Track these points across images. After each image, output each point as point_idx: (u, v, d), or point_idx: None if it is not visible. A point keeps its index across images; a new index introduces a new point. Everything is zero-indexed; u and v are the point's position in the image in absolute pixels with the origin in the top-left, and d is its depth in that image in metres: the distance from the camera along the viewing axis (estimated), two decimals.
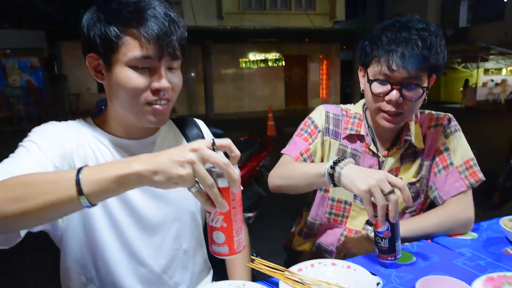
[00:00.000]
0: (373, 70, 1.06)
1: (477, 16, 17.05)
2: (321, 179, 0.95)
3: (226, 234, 0.66)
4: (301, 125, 1.24)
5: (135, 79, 0.80)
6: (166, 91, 0.83)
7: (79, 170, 0.61)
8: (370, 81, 1.07)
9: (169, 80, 0.84)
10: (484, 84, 16.75)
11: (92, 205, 0.62)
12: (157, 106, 0.84)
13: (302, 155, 1.17)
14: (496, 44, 14.24)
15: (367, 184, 0.84)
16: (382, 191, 0.83)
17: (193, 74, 13.37)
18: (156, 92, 0.83)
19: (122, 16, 0.78)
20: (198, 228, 1.03)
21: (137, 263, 0.91)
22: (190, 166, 0.59)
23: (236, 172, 0.62)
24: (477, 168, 1.11)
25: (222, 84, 13.73)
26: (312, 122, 1.22)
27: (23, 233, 0.72)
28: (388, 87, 1.03)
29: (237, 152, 0.65)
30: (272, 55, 14.33)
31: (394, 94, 1.02)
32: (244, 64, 14.14)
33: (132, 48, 0.79)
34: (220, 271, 1.09)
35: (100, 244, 0.87)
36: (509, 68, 16.65)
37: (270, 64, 14.36)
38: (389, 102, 1.04)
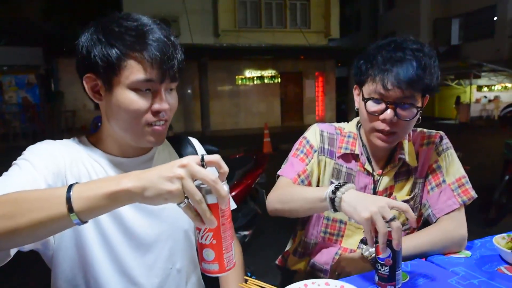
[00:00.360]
0: (368, 88, 1.07)
1: (469, 33, 17.44)
2: (322, 203, 0.95)
3: (216, 251, 0.66)
4: (296, 145, 1.24)
5: (137, 101, 0.82)
6: (165, 112, 0.86)
7: (70, 187, 0.61)
8: (365, 100, 1.08)
9: (168, 101, 0.86)
10: (478, 101, 16.98)
11: (83, 222, 0.61)
12: (157, 127, 0.86)
13: (299, 176, 1.17)
14: (487, 60, 14.51)
15: (369, 211, 0.82)
16: (384, 218, 0.82)
17: (189, 91, 13.47)
18: (156, 113, 0.85)
19: (124, 39, 0.79)
20: (192, 247, 1.02)
21: (130, 283, 0.90)
22: (179, 182, 0.60)
23: (224, 188, 0.62)
24: (469, 186, 1.12)
25: (219, 101, 13.83)
26: (308, 141, 1.23)
27: (12, 252, 0.71)
28: (383, 106, 1.04)
29: (225, 169, 0.65)
30: (268, 72, 14.50)
31: (389, 113, 1.03)
32: (240, 81, 14.28)
33: (135, 72, 0.80)
34: None
35: (92, 262, 0.87)
36: (501, 85, 16.92)
37: (266, 81, 14.52)
38: (383, 121, 1.05)
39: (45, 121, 11.07)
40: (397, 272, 0.86)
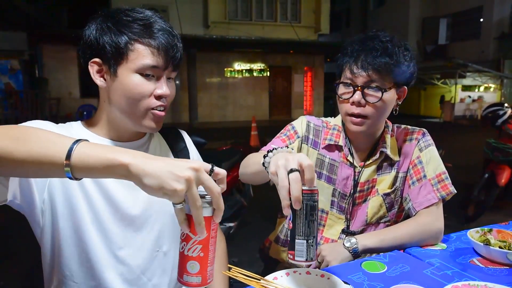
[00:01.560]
0: (341, 79, 1.15)
1: (456, 33, 17.74)
2: (262, 168, 0.89)
3: (201, 264, 0.66)
4: (282, 130, 1.29)
5: (142, 85, 0.87)
6: (166, 97, 0.91)
7: (78, 141, 0.63)
8: (336, 84, 1.15)
9: (169, 88, 0.92)
10: (462, 100, 17.33)
11: (74, 177, 0.63)
12: (158, 112, 0.91)
13: None
14: (473, 61, 14.80)
15: (275, 165, 0.76)
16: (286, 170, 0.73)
17: (177, 82, 13.33)
18: (158, 98, 0.90)
19: (133, 27, 0.86)
20: (179, 230, 1.04)
21: (118, 262, 0.93)
22: (186, 184, 0.59)
23: (222, 202, 0.64)
24: (448, 182, 1.17)
25: (207, 93, 13.75)
26: (293, 127, 1.27)
27: (9, 195, 0.79)
28: (351, 89, 1.11)
29: (225, 186, 0.67)
30: (257, 65, 14.47)
31: (357, 96, 1.10)
32: (229, 73, 14.22)
33: (142, 57, 0.86)
34: None
35: (84, 238, 0.89)
36: (485, 85, 17.30)
37: (255, 74, 14.50)
38: (352, 104, 1.11)
39: (28, 109, 10.81)
40: (297, 240, 0.73)
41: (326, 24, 14.70)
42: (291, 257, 0.75)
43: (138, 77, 0.87)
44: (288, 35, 13.73)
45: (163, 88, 0.89)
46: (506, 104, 4.27)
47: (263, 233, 1.52)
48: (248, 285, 0.88)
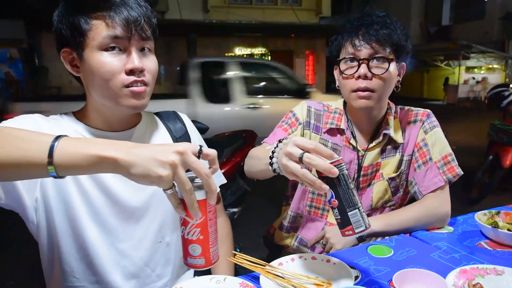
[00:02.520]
0: (342, 57, 1.12)
1: (459, 14, 17.42)
2: (267, 167, 0.86)
3: (202, 246, 0.66)
4: (283, 118, 1.26)
5: (108, 62, 0.81)
6: (140, 72, 0.84)
7: (58, 137, 0.60)
8: (338, 61, 1.13)
9: (143, 62, 0.84)
10: (466, 82, 17.13)
11: (59, 176, 0.60)
12: (135, 88, 0.84)
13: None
14: (476, 42, 14.57)
15: (284, 167, 0.75)
16: (294, 161, 0.72)
17: (178, 68, 13.22)
18: (130, 73, 0.83)
19: (89, 3, 0.81)
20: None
21: (119, 255, 0.91)
22: (171, 168, 0.58)
23: (214, 183, 0.62)
24: (455, 164, 1.14)
25: None
26: (294, 115, 1.25)
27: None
28: (355, 64, 1.08)
29: (217, 166, 0.65)
30: (258, 50, 14.29)
31: (362, 69, 1.07)
32: None
33: (100, 31, 0.80)
34: None
35: (82, 234, 0.87)
36: (489, 66, 17.08)
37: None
38: (358, 78, 1.08)
39: (29, 98, 10.78)
40: (349, 213, 0.72)
41: (328, 6, 14.44)
42: (350, 232, 0.72)
43: (104, 54, 0.81)
44: (289, 18, 13.49)
45: (134, 61, 0.82)
46: (511, 85, 4.20)
47: (267, 219, 1.51)
48: (253, 271, 0.88)
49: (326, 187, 0.70)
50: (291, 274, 0.85)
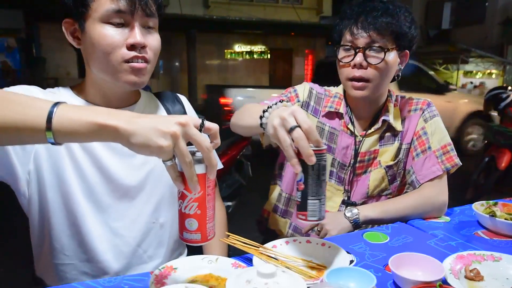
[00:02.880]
0: (341, 43, 1.11)
1: (460, 18, 17.46)
2: (256, 124, 0.84)
3: (199, 221, 0.65)
4: (283, 91, 1.24)
5: (110, 35, 0.80)
6: (142, 48, 0.83)
7: (57, 103, 0.58)
8: (336, 47, 1.11)
9: (146, 39, 0.83)
10: (464, 86, 17.17)
11: (56, 143, 0.58)
12: (135, 64, 0.83)
13: None
14: (476, 47, 14.61)
15: (272, 126, 0.72)
16: (285, 128, 0.70)
17: (177, 64, 13.20)
18: (131, 48, 0.81)
19: None
20: (176, 202, 1.01)
21: (112, 234, 0.90)
22: (171, 139, 0.57)
23: (215, 157, 0.60)
24: (453, 153, 1.13)
25: (207, 74, 13.59)
26: (295, 90, 1.23)
27: None
28: (352, 52, 1.07)
29: (218, 141, 0.64)
30: (258, 48, 14.27)
31: (358, 57, 1.06)
32: (229, 55, 14.05)
33: (103, 3, 0.78)
34: (194, 249, 1.08)
35: (74, 210, 0.85)
36: (487, 71, 17.14)
37: (255, 56, 14.32)
38: (354, 67, 1.07)
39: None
40: (309, 201, 0.72)
41: (328, 6, 14.41)
42: (303, 217, 0.73)
43: (106, 27, 0.79)
44: (289, 17, 13.47)
45: (136, 36, 0.80)
46: (509, 88, 4.21)
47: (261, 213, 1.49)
48: (247, 253, 0.86)
49: (299, 168, 0.70)
50: (285, 256, 0.84)
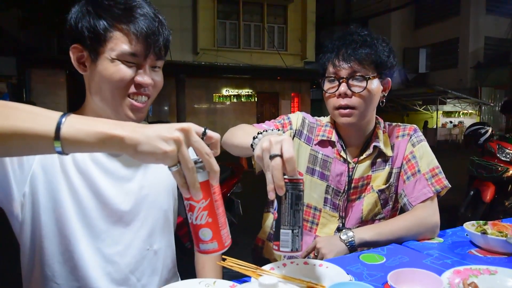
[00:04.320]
0: (326, 76, 1.17)
1: (435, 63, 18.53)
2: (247, 145, 0.88)
3: (212, 229, 0.65)
4: (277, 118, 1.28)
5: (121, 71, 0.83)
6: (147, 87, 0.87)
7: (65, 113, 0.60)
8: (321, 80, 1.17)
9: (152, 77, 0.87)
10: (444, 125, 17.81)
11: (63, 152, 0.59)
12: (136, 103, 0.87)
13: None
14: (452, 88, 15.38)
15: (260, 148, 0.75)
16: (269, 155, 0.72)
17: (166, 108, 13.36)
18: (138, 86, 0.85)
19: (113, 11, 0.82)
20: (170, 230, 1.00)
21: (105, 261, 0.87)
22: (175, 144, 0.59)
23: (216, 164, 0.62)
24: (442, 176, 1.17)
25: (195, 118, 13.76)
26: (288, 118, 1.27)
27: None
28: (336, 83, 1.13)
29: (218, 151, 0.66)
30: (245, 91, 14.65)
31: (342, 87, 1.12)
32: (217, 99, 14.33)
33: (120, 43, 0.82)
34: (188, 275, 1.05)
35: (67, 235, 0.84)
36: (464, 111, 17.90)
37: (243, 99, 14.64)
38: (339, 96, 1.13)
39: None
40: (282, 230, 0.71)
41: (312, 52, 15.12)
42: (276, 247, 0.73)
43: (118, 64, 0.83)
44: (275, 62, 14.04)
45: (144, 76, 0.85)
46: (487, 123, 4.40)
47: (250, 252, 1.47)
48: (244, 276, 0.85)
49: (273, 195, 0.71)
50: (283, 277, 0.83)
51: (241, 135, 0.99)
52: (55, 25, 11.57)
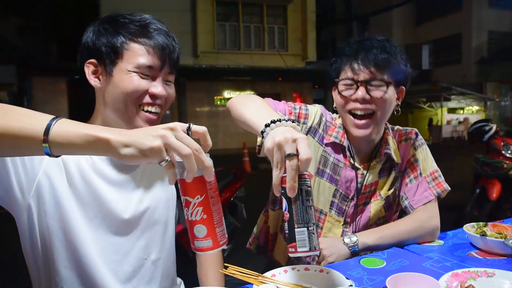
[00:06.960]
0: (341, 79, 1.13)
1: (438, 59, 18.42)
2: (256, 127, 0.85)
3: (207, 226, 0.65)
4: (295, 103, 1.20)
5: (136, 83, 0.87)
6: (161, 98, 0.90)
7: (56, 117, 0.63)
8: (337, 83, 1.13)
9: (165, 90, 0.91)
10: (449, 122, 17.72)
11: (52, 154, 0.62)
12: (150, 115, 0.90)
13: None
14: (456, 84, 15.29)
15: (272, 141, 0.71)
16: (282, 153, 0.70)
17: (168, 112, 13.36)
18: (152, 97, 0.89)
19: (129, 27, 0.88)
20: (170, 240, 1.02)
21: (106, 267, 0.89)
22: (161, 139, 0.61)
23: (207, 159, 0.63)
24: (442, 179, 1.18)
25: (197, 121, 13.68)
26: (306, 109, 1.19)
27: None
28: (354, 86, 1.09)
29: (209, 142, 0.66)
30: (247, 93, 14.66)
31: (360, 91, 1.08)
32: (219, 102, 14.36)
33: (137, 56, 0.86)
34: (191, 283, 1.06)
35: (74, 241, 0.86)
36: (469, 107, 17.80)
37: None
38: (355, 100, 1.09)
39: None
40: (296, 229, 0.68)
41: (313, 52, 15.11)
42: (293, 250, 0.68)
43: (134, 75, 0.87)
44: (276, 63, 14.03)
45: (158, 87, 0.89)
46: (492, 120, 4.38)
47: (258, 257, 1.48)
48: (246, 285, 0.86)
49: (279, 192, 0.69)
50: (285, 284, 0.84)
51: (253, 111, 0.92)
52: (54, 32, 11.66)
